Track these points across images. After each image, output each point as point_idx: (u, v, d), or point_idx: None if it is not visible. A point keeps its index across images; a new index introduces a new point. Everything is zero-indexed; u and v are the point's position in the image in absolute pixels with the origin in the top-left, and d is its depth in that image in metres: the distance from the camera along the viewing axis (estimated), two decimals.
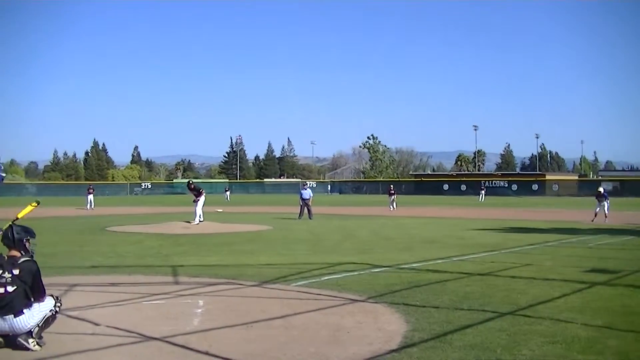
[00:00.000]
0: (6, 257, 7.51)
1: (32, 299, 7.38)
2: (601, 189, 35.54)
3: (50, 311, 7.43)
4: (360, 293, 10.85)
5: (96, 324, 8.36)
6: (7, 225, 8.08)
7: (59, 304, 7.63)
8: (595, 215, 33.68)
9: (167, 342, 7.54)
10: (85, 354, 7.03)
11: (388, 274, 13.39)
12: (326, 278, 12.67)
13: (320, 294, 10.81)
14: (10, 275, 7.29)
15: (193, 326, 8.58)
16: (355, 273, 13.49)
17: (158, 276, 13.11)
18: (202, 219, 29.13)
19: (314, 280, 12.41)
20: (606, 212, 33.93)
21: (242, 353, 7.07)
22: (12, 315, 7.16)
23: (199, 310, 9.90)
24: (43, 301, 7.50)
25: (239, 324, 8.52)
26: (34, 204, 8.74)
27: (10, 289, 7.24)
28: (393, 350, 7.15)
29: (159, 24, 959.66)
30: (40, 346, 7.20)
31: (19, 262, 7.43)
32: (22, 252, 7.62)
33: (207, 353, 7.05)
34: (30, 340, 7.16)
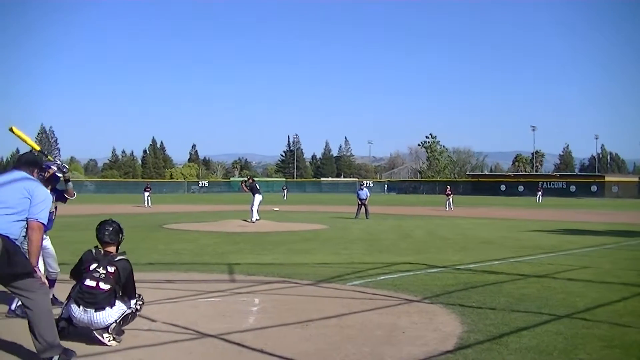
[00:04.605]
0: (102, 252, 7.52)
1: (123, 297, 7.42)
2: None
3: (129, 309, 7.49)
4: (416, 293, 10.79)
5: (152, 320, 8.46)
6: (108, 219, 7.93)
7: (140, 302, 7.69)
8: None
9: (222, 339, 7.60)
10: (142, 350, 7.12)
11: (444, 275, 13.29)
12: (382, 278, 12.64)
13: (376, 294, 10.79)
14: (104, 272, 7.30)
15: (248, 324, 8.62)
16: (411, 273, 13.43)
17: (214, 274, 13.22)
18: (258, 218, 29.30)
19: (369, 280, 12.40)
20: None
21: (297, 352, 7.09)
22: (94, 310, 7.15)
23: (255, 309, 9.94)
24: (132, 299, 7.56)
25: (294, 322, 8.54)
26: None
27: (102, 285, 7.25)
28: (448, 352, 7.09)
29: (218, 23, 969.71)
30: (118, 342, 7.22)
31: (115, 259, 7.45)
32: (117, 249, 7.68)
33: (262, 351, 7.08)
34: (105, 335, 7.16)
